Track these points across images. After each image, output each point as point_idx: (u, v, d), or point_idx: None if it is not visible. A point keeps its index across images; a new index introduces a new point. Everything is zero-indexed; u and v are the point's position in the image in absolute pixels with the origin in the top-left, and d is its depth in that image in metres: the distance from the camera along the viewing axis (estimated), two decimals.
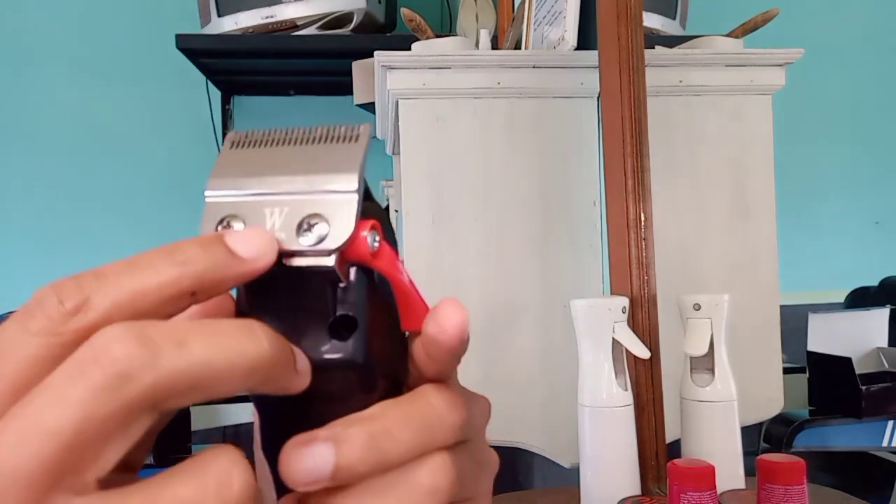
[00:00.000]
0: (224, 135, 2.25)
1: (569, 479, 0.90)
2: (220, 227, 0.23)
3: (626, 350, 0.80)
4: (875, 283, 1.72)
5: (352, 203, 0.22)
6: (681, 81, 1.02)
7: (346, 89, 1.74)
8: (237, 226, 0.22)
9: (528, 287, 0.99)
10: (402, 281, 0.24)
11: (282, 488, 0.22)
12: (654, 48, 1.05)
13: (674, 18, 1.66)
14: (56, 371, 0.18)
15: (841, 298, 1.80)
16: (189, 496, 0.18)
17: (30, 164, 2.18)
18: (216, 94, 2.22)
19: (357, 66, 1.71)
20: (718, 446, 0.78)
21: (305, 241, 0.22)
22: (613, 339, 0.79)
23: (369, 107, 1.68)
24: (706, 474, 0.64)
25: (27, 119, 2.19)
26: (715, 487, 0.65)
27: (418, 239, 0.96)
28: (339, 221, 0.22)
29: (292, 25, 1.85)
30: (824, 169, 2.24)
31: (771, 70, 1.03)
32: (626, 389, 0.80)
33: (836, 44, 2.20)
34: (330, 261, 0.22)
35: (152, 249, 0.20)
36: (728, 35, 1.09)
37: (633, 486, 0.79)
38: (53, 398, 0.17)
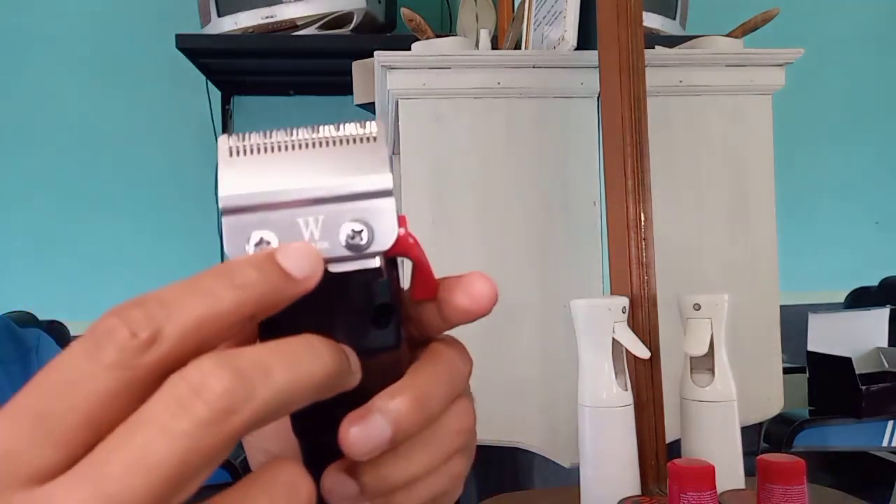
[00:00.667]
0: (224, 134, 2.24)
1: (569, 479, 0.90)
2: (255, 245, 0.22)
3: (626, 350, 0.80)
4: (875, 283, 1.72)
5: (390, 204, 0.22)
6: (681, 81, 1.02)
7: (346, 89, 1.74)
8: (272, 240, 0.22)
9: (528, 287, 0.99)
10: (425, 261, 0.25)
11: (313, 462, 0.23)
12: (654, 48, 1.05)
13: (674, 18, 1.66)
14: (155, 404, 0.18)
15: (841, 298, 1.80)
16: None
17: (30, 164, 2.18)
18: (216, 94, 2.22)
19: (357, 66, 1.70)
20: (718, 446, 0.78)
21: (351, 248, 0.22)
22: (613, 339, 0.79)
23: (369, 107, 1.68)
24: (706, 474, 0.64)
25: (27, 119, 2.19)
26: (715, 487, 0.65)
27: (418, 239, 0.96)
28: (381, 224, 0.22)
29: (292, 25, 1.85)
30: (824, 169, 2.24)
31: (771, 70, 1.03)
32: (626, 389, 0.80)
33: (836, 44, 2.20)
34: (375, 262, 0.22)
35: (207, 273, 0.20)
36: (728, 35, 1.09)
37: (633, 486, 0.79)
38: (158, 432, 0.17)
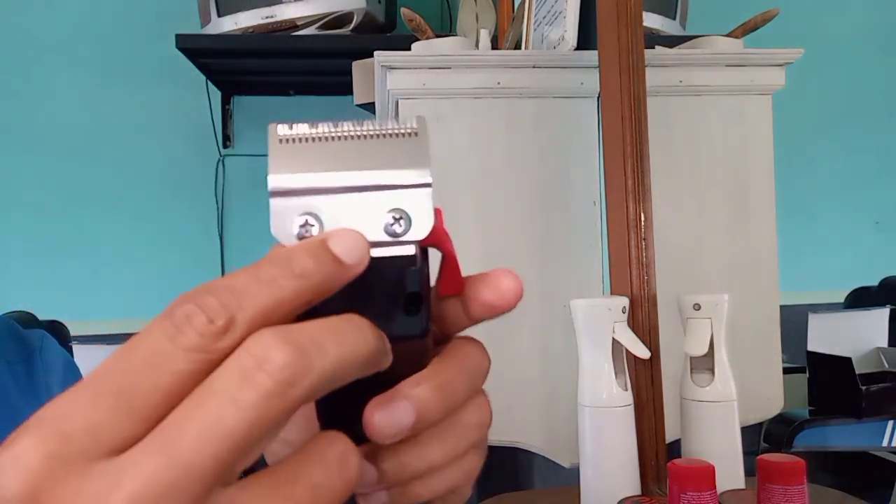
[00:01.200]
0: (224, 135, 2.25)
1: (569, 479, 0.90)
2: (299, 227, 0.23)
3: (626, 350, 0.80)
4: (875, 283, 1.72)
5: (428, 196, 0.24)
6: (681, 81, 1.02)
7: (346, 89, 1.74)
8: (315, 224, 0.23)
9: (528, 287, 0.99)
10: (454, 255, 0.26)
11: None
12: (654, 48, 1.05)
13: (674, 18, 1.66)
14: (222, 377, 0.19)
15: (841, 298, 1.80)
16: (319, 480, 0.21)
17: (30, 164, 2.18)
18: (216, 94, 2.22)
19: (357, 66, 1.70)
20: (718, 446, 0.78)
21: (390, 234, 0.23)
22: (613, 339, 0.79)
23: (369, 107, 1.68)
24: (706, 474, 0.64)
25: (27, 119, 2.19)
26: (715, 487, 0.65)
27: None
28: (419, 214, 0.23)
29: (292, 25, 1.85)
30: (824, 169, 2.24)
31: (771, 70, 1.03)
32: (626, 389, 0.80)
33: (836, 44, 2.20)
34: (411, 249, 0.23)
35: (267, 261, 0.22)
36: (728, 35, 1.09)
37: (633, 486, 0.79)
38: (227, 402, 0.19)
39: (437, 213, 0.24)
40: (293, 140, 0.24)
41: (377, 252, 0.23)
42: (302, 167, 0.24)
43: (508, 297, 0.26)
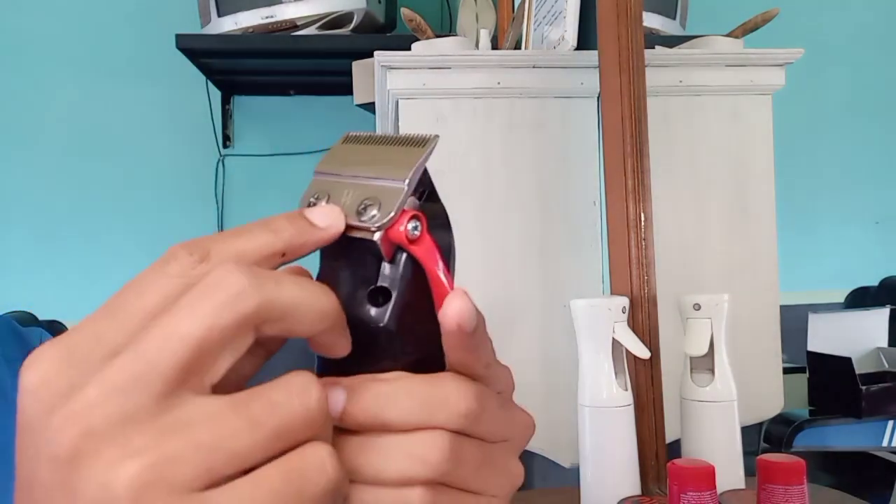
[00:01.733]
0: (224, 135, 2.25)
1: (569, 479, 0.90)
2: (312, 199, 0.28)
3: (626, 350, 0.80)
4: (875, 283, 1.72)
5: (399, 193, 0.27)
6: (681, 81, 1.02)
7: (346, 89, 1.74)
8: (323, 200, 0.28)
9: (528, 287, 0.99)
10: (433, 270, 0.28)
11: None
12: (654, 48, 1.05)
13: (674, 18, 1.66)
14: (188, 293, 0.23)
15: (841, 298, 1.80)
16: (278, 398, 0.23)
17: (30, 164, 2.18)
18: (216, 94, 2.22)
19: (357, 66, 1.71)
20: (718, 446, 0.78)
21: (361, 218, 0.27)
22: (613, 339, 0.79)
23: (369, 107, 1.68)
24: (706, 474, 0.64)
25: (27, 119, 2.19)
26: (715, 487, 0.65)
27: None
28: (386, 206, 0.27)
29: (292, 25, 1.85)
30: (824, 169, 2.24)
31: (771, 70, 1.03)
32: (626, 389, 0.80)
33: (836, 44, 2.20)
34: (376, 237, 0.26)
35: (251, 222, 0.26)
36: (728, 35, 1.09)
37: (633, 486, 0.79)
38: (187, 312, 0.22)
39: (409, 216, 0.27)
40: (350, 141, 0.30)
41: (353, 234, 0.27)
42: (336, 161, 0.29)
43: (448, 319, 0.26)
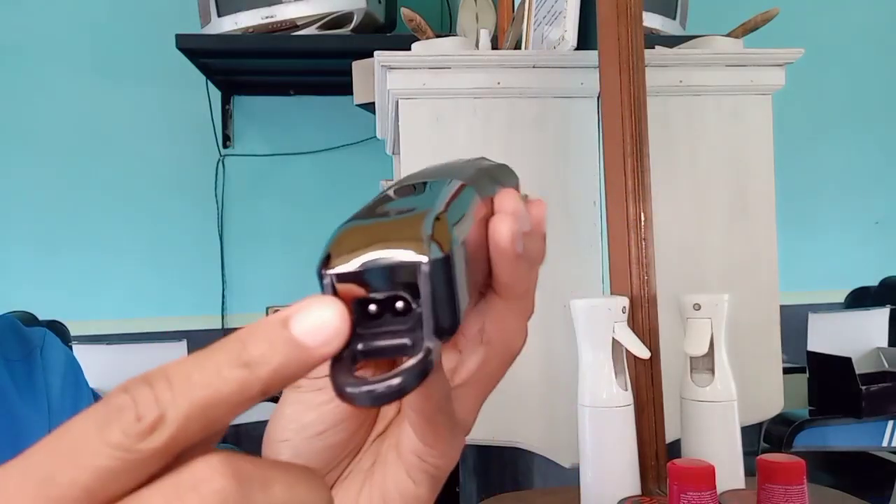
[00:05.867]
0: (224, 135, 2.25)
1: (569, 479, 0.90)
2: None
3: (626, 350, 0.80)
4: (875, 283, 1.72)
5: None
6: (681, 81, 1.02)
7: (346, 89, 1.74)
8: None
9: None
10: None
11: None
12: (654, 48, 1.05)
13: (674, 18, 1.66)
14: (155, 489, 0.19)
15: (841, 298, 1.80)
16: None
17: (30, 164, 2.18)
18: (216, 94, 2.22)
19: (357, 66, 1.71)
20: (718, 446, 0.78)
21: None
22: (613, 339, 0.79)
23: (369, 107, 1.68)
24: (706, 474, 0.64)
25: (27, 119, 2.19)
26: (715, 487, 0.65)
27: None
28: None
29: (292, 25, 1.85)
30: (824, 169, 2.24)
31: (771, 70, 1.03)
32: (626, 389, 0.80)
33: (836, 44, 2.20)
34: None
35: (220, 345, 0.20)
36: (728, 35, 1.09)
37: (633, 486, 0.79)
38: None
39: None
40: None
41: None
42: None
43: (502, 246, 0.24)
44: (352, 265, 0.20)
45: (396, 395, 0.20)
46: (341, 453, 0.29)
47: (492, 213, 0.25)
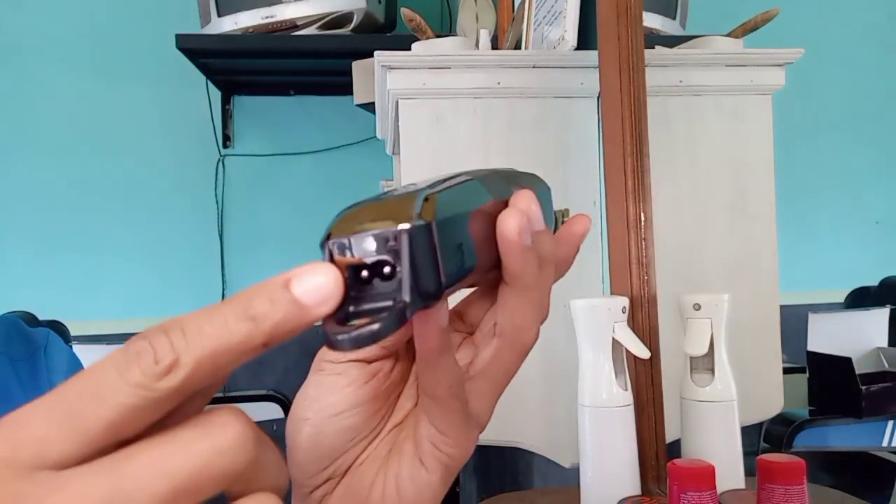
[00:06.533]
0: (224, 135, 2.25)
1: (569, 479, 0.90)
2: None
3: (626, 350, 0.80)
4: (875, 283, 1.72)
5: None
6: (681, 81, 1.02)
7: (346, 89, 1.74)
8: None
9: None
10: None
11: None
12: (654, 48, 1.05)
13: (674, 18, 1.66)
14: (182, 429, 0.21)
15: (841, 298, 1.80)
16: (181, 446, 0.21)
17: (30, 164, 2.18)
18: (216, 94, 2.22)
19: (357, 66, 1.71)
20: (718, 446, 0.78)
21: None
22: (613, 339, 0.79)
23: (369, 107, 1.68)
24: (706, 474, 0.64)
25: (27, 119, 2.19)
26: (715, 487, 0.65)
27: None
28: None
29: (292, 25, 1.85)
30: (824, 169, 2.24)
31: (771, 70, 1.03)
32: (626, 389, 0.80)
33: (836, 44, 2.20)
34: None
35: (227, 301, 0.22)
36: (728, 35, 1.09)
37: (633, 486, 0.79)
38: (180, 448, 0.21)
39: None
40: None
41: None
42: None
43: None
44: (345, 235, 0.23)
45: (373, 337, 0.22)
46: (358, 435, 0.31)
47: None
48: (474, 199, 0.26)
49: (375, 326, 0.22)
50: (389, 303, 0.23)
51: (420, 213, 0.23)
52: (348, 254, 0.23)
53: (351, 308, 0.23)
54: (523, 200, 0.27)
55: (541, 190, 0.31)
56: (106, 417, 0.20)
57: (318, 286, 0.22)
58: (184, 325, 0.21)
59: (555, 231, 0.31)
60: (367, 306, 0.23)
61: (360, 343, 0.22)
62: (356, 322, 0.23)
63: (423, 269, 0.23)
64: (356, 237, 0.23)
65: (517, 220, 0.26)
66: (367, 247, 0.23)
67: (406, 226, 0.23)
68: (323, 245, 0.24)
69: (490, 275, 0.28)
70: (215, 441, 0.21)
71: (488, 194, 0.27)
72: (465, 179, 0.27)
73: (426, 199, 0.24)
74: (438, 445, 0.29)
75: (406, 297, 0.22)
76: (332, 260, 0.23)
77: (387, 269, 0.23)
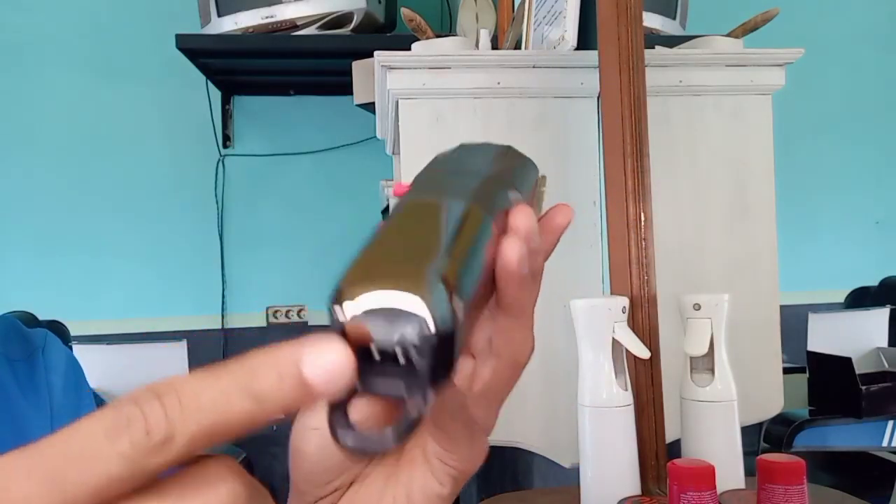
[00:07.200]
0: (224, 135, 2.25)
1: (569, 479, 0.90)
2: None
3: (626, 350, 0.80)
4: (875, 283, 1.72)
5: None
6: (681, 81, 1.02)
7: (346, 89, 1.74)
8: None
9: None
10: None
11: None
12: (654, 48, 1.05)
13: (674, 18, 1.66)
14: (174, 484, 0.20)
15: (841, 298, 1.80)
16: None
17: (30, 164, 2.18)
18: (216, 94, 2.22)
19: (357, 66, 1.71)
20: (718, 446, 0.78)
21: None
22: (613, 339, 0.79)
23: (369, 107, 1.68)
24: (706, 474, 0.64)
25: (27, 119, 2.19)
26: (715, 487, 0.65)
27: None
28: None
29: (292, 25, 1.85)
30: (824, 169, 2.23)
31: (771, 70, 1.03)
32: (626, 389, 0.80)
33: (836, 44, 2.20)
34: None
35: (230, 367, 0.21)
36: (728, 35, 1.09)
37: (633, 486, 0.79)
38: None
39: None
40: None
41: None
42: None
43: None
44: (359, 306, 0.21)
45: (381, 448, 0.21)
46: None
47: (504, 227, 0.26)
48: (487, 247, 0.24)
49: (386, 436, 0.21)
50: (401, 391, 0.21)
51: (447, 300, 0.21)
52: (360, 323, 0.21)
53: (359, 386, 0.21)
54: (523, 224, 0.26)
55: (522, 170, 0.30)
56: (91, 484, 0.19)
57: (331, 368, 0.21)
58: (180, 393, 0.20)
59: (532, 197, 0.29)
60: (376, 387, 0.21)
61: (365, 453, 0.21)
62: (362, 411, 0.22)
63: (441, 368, 0.21)
64: (371, 315, 0.21)
65: (519, 252, 0.25)
66: (383, 326, 0.21)
67: (431, 326, 0.21)
68: (331, 307, 0.21)
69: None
70: (206, 498, 0.20)
71: (493, 227, 0.25)
72: (477, 219, 0.24)
73: (445, 280, 0.21)
74: (447, 461, 0.29)
75: (422, 401, 0.21)
76: (342, 330, 0.21)
77: (402, 358, 0.21)
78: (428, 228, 0.23)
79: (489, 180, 0.27)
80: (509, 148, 0.31)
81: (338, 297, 0.21)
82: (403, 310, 0.21)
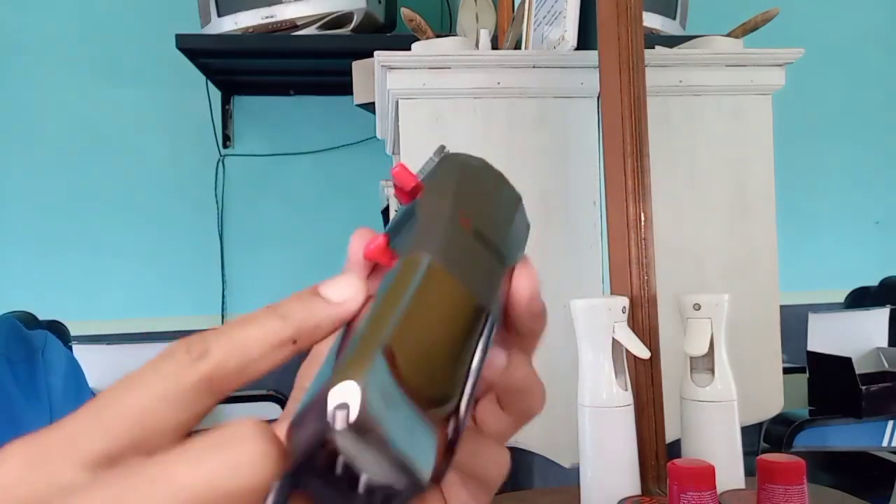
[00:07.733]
0: (224, 135, 2.25)
1: (569, 479, 0.90)
2: None
3: (626, 350, 0.80)
4: (875, 283, 1.72)
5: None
6: (681, 81, 1.02)
7: (346, 89, 1.74)
8: None
9: None
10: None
11: None
12: (654, 48, 1.05)
13: (674, 18, 1.66)
14: (201, 439, 0.20)
15: (841, 298, 1.80)
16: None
17: (30, 164, 2.18)
18: (216, 94, 2.22)
19: (357, 66, 1.71)
20: (718, 446, 0.78)
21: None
22: (613, 339, 0.79)
23: (369, 107, 1.68)
24: (706, 474, 0.64)
25: (27, 119, 2.19)
26: (715, 487, 0.65)
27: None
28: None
29: (292, 25, 1.85)
30: (824, 169, 2.24)
31: (771, 70, 1.03)
32: (626, 389, 0.80)
33: (836, 44, 2.20)
34: None
35: (260, 309, 0.24)
36: (728, 35, 1.09)
37: (633, 486, 0.79)
38: (192, 462, 0.19)
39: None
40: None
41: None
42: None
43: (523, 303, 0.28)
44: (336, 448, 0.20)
45: None
46: None
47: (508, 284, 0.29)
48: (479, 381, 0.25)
49: None
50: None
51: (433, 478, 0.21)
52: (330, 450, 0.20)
53: (304, 481, 0.20)
54: (527, 289, 0.29)
55: (518, 204, 0.31)
56: (133, 405, 0.21)
57: (345, 287, 0.24)
58: (218, 327, 0.23)
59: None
60: (323, 493, 0.20)
61: None
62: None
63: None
64: (345, 460, 0.19)
65: (532, 288, 0.29)
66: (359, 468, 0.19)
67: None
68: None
69: None
70: (230, 456, 0.19)
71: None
72: (483, 353, 0.24)
73: (445, 452, 0.22)
74: (469, 486, 0.29)
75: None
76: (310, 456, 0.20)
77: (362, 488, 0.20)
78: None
79: (478, 237, 0.29)
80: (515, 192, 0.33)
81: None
82: (387, 483, 0.20)
